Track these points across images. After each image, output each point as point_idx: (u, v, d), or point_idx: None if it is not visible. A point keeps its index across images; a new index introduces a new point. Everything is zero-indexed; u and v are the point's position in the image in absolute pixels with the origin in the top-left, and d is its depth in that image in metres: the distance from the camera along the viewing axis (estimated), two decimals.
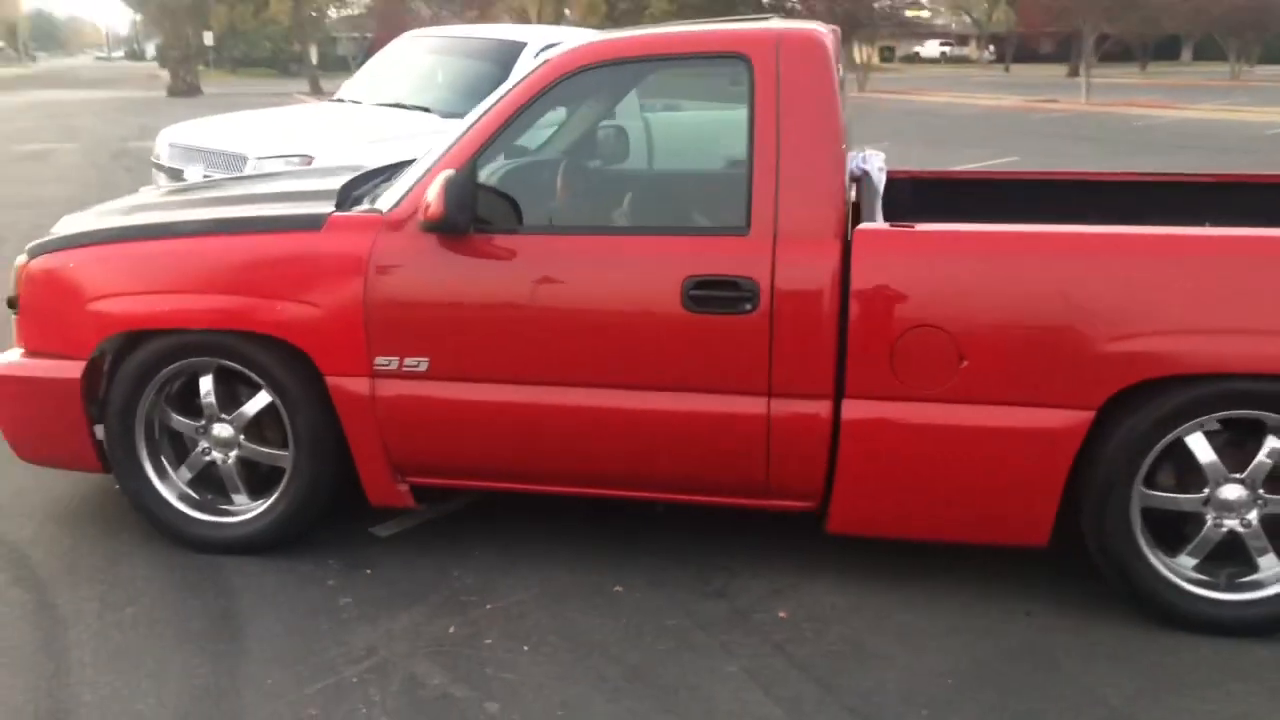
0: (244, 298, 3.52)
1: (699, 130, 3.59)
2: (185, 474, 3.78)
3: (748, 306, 3.25)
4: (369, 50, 44.93)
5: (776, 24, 3.47)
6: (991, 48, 71.52)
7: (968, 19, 69.87)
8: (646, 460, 3.47)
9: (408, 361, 3.48)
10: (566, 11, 70.94)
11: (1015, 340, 3.18)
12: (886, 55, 64.74)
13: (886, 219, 3.58)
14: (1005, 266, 3.20)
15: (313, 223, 3.54)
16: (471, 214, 3.30)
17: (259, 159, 6.42)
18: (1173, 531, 3.32)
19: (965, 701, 2.92)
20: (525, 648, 3.17)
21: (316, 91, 35.61)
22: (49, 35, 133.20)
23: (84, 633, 3.24)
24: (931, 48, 75.42)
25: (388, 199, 3.59)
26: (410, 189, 3.50)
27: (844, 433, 3.30)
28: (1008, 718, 2.86)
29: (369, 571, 3.62)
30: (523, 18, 62.41)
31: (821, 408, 3.29)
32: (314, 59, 42.93)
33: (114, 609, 3.37)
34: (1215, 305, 3.08)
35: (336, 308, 3.47)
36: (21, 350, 3.80)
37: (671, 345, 3.33)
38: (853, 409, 3.28)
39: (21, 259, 3.78)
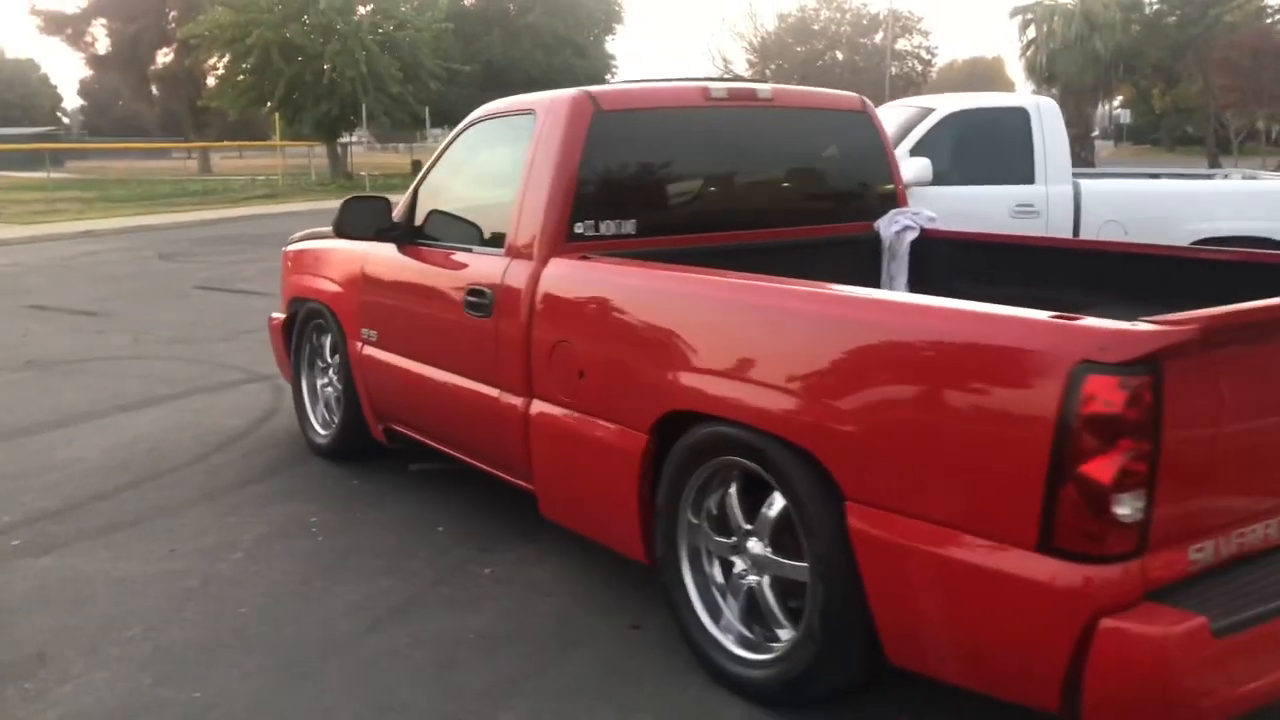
0: (323, 280, 5.22)
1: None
2: (321, 380, 5.55)
3: (488, 312, 4.01)
4: None
5: (580, 90, 4.04)
6: None
7: None
8: (464, 432, 4.36)
9: (369, 332, 4.85)
10: None
11: (607, 361, 3.51)
12: None
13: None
14: (608, 294, 3.54)
15: None
16: (360, 227, 4.55)
17: None
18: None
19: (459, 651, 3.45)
20: (314, 530, 4.40)
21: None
22: None
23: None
24: None
25: None
26: None
27: (530, 427, 3.87)
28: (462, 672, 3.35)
29: (355, 483, 5.04)
30: None
31: (521, 403, 3.91)
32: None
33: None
34: (722, 349, 3.12)
35: (351, 290, 4.98)
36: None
37: (461, 340, 4.21)
38: (534, 406, 3.85)
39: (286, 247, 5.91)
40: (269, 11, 34.11)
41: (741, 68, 63.93)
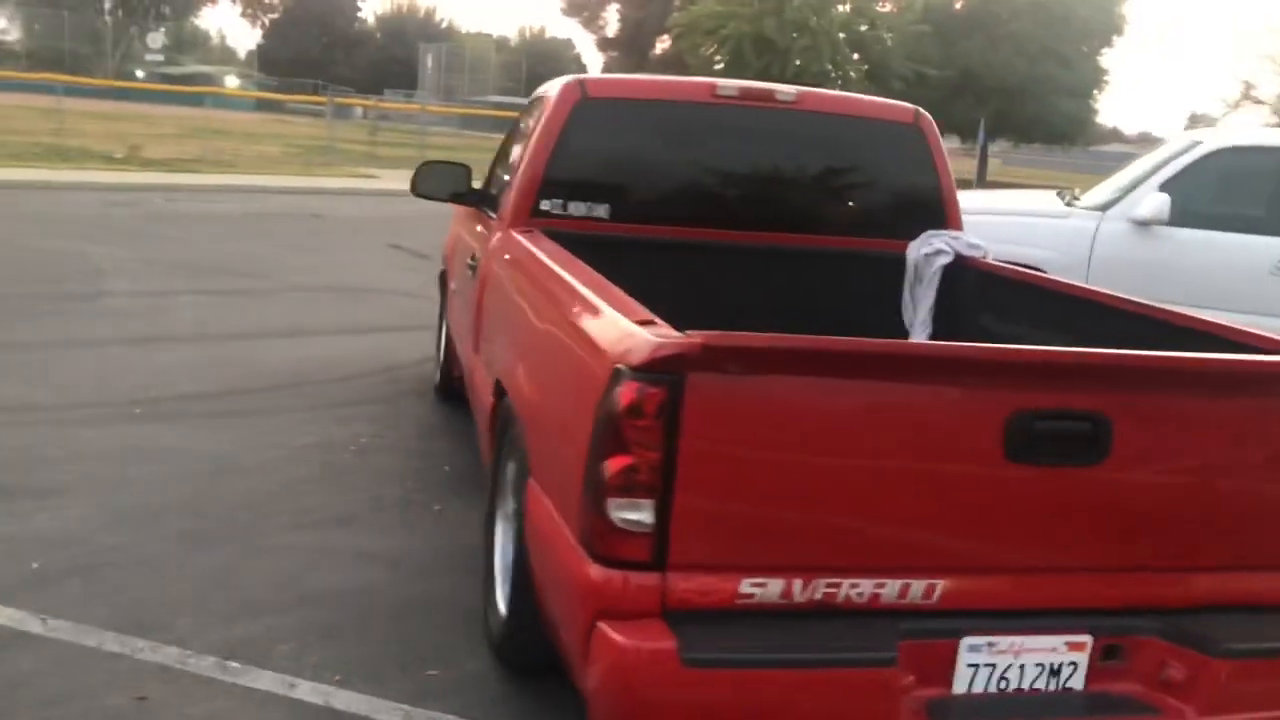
0: (451, 239, 5.84)
1: None
2: None
3: (475, 274, 4.39)
4: None
5: (575, 76, 4.25)
6: None
7: None
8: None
9: (453, 285, 5.38)
10: None
11: (495, 325, 3.81)
12: None
13: None
14: (506, 267, 3.82)
15: None
16: (433, 189, 5.00)
17: None
18: None
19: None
20: (351, 449, 4.99)
21: None
22: None
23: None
24: None
25: None
26: None
27: (469, 380, 4.23)
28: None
29: (433, 421, 5.61)
30: None
31: (472, 359, 4.27)
32: None
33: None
34: (510, 326, 3.37)
35: (453, 249, 5.55)
36: None
37: (465, 298, 4.62)
38: (474, 362, 4.20)
39: None
40: (747, 5, 35.74)
41: (1269, 91, 57.18)
